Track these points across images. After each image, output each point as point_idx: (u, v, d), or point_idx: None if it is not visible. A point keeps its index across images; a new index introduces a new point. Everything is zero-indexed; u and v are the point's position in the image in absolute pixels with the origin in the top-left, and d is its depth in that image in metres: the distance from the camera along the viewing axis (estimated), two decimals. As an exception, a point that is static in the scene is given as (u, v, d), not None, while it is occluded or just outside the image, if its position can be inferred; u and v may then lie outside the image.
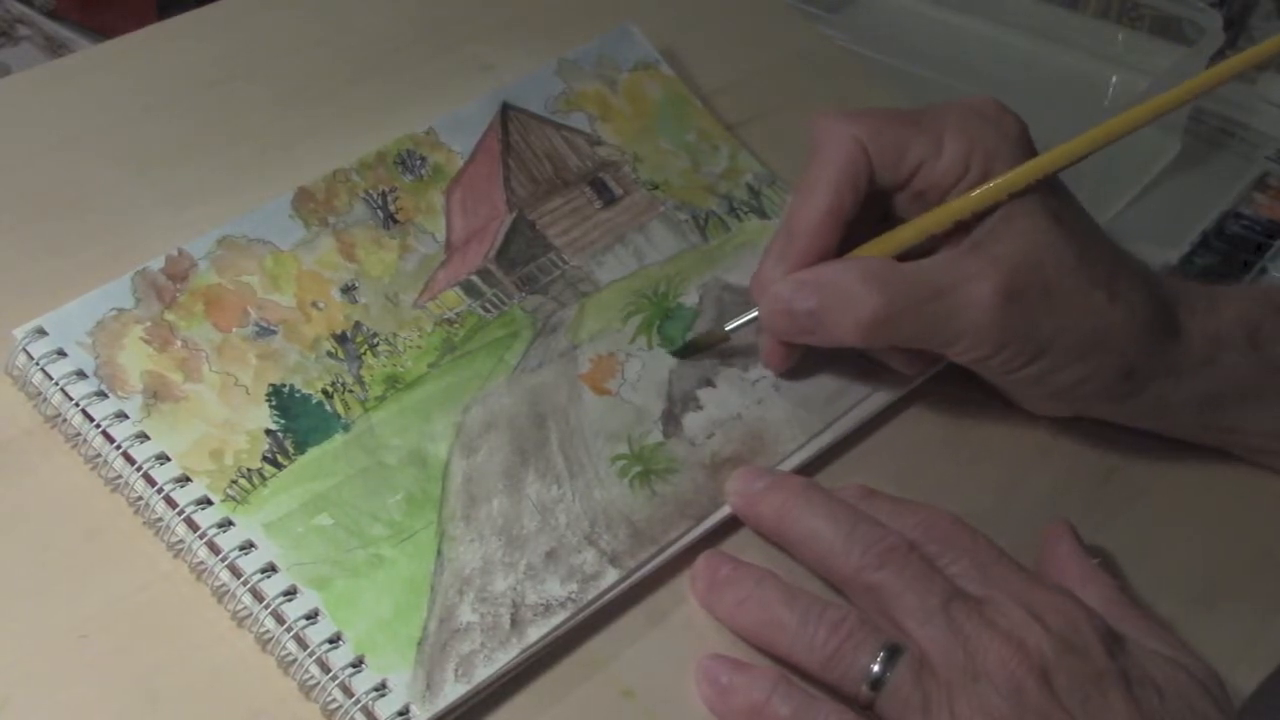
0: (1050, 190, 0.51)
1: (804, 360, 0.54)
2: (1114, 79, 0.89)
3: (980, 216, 0.50)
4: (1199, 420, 0.54)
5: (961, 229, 0.51)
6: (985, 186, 0.50)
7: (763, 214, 0.60)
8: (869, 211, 0.52)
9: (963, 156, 0.51)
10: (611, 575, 0.48)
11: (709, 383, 0.53)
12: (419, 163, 0.57)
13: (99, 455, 0.47)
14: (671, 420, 0.52)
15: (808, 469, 0.53)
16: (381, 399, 0.50)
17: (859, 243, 0.52)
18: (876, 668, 0.44)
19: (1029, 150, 0.52)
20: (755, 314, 0.53)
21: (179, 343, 0.50)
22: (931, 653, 0.44)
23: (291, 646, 0.44)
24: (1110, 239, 0.53)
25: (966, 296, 0.49)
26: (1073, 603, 0.45)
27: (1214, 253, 0.80)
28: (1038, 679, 0.43)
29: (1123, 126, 0.51)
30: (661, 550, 0.49)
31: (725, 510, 0.50)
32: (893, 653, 0.44)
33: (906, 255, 0.51)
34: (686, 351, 0.54)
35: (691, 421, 0.52)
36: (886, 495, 0.50)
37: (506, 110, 0.59)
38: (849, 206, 0.51)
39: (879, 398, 0.55)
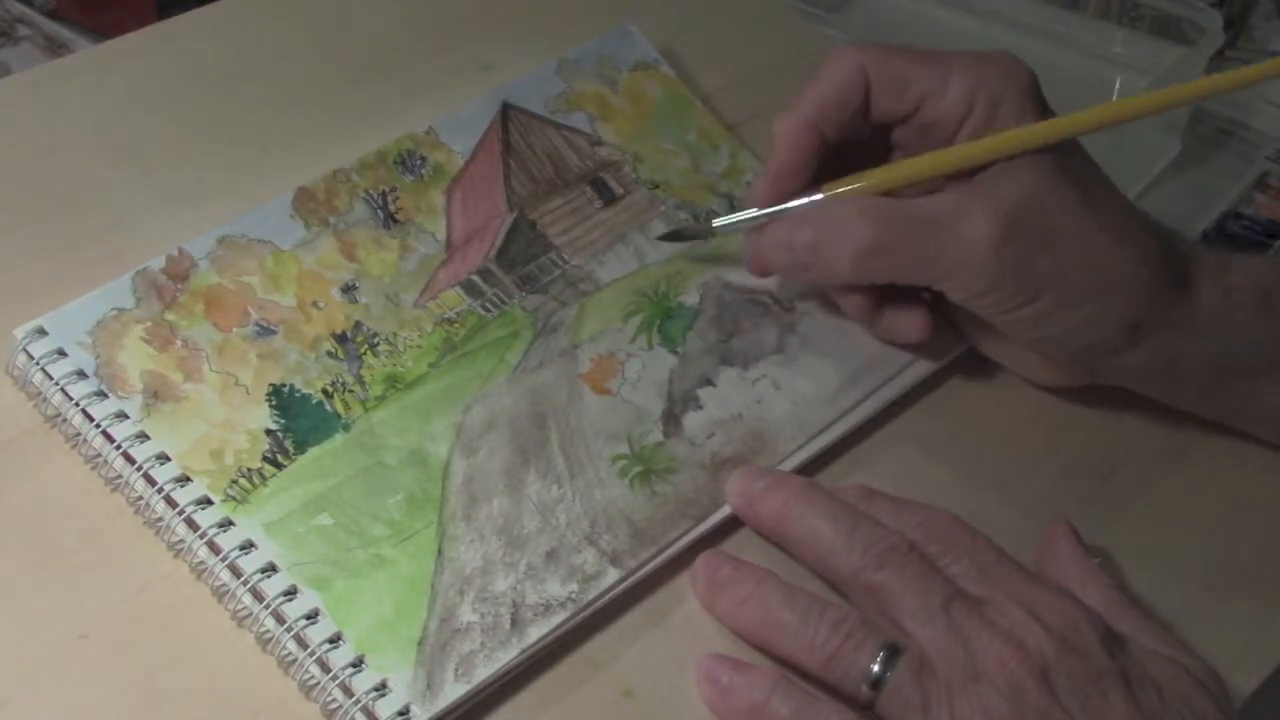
0: (1061, 146, 0.51)
1: (804, 359, 0.54)
2: (1114, 79, 0.89)
3: (984, 166, 0.50)
4: (1211, 387, 0.53)
5: (968, 170, 0.51)
6: (996, 136, 0.50)
7: (763, 213, 0.60)
8: (873, 148, 0.53)
9: (967, 95, 0.51)
10: (612, 575, 0.48)
11: (709, 382, 0.53)
12: (419, 163, 0.57)
13: (99, 455, 0.47)
14: (672, 420, 0.52)
15: (808, 468, 0.52)
16: (382, 399, 0.50)
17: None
18: (876, 668, 0.44)
19: (1039, 101, 0.52)
20: (745, 215, 0.53)
21: (179, 342, 0.50)
22: (932, 653, 0.44)
23: (292, 646, 0.44)
24: (1118, 190, 0.52)
25: (963, 231, 0.49)
26: (1073, 603, 0.45)
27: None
28: (1038, 679, 0.43)
29: (1144, 107, 0.51)
30: (662, 550, 0.49)
31: (726, 510, 0.50)
32: (893, 653, 0.44)
33: (908, 192, 0.52)
34: (669, 238, 0.56)
35: (692, 421, 0.52)
36: (887, 495, 0.50)
37: (507, 110, 0.59)
38: (832, 120, 0.51)
39: (881, 396, 0.55)
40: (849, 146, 0.53)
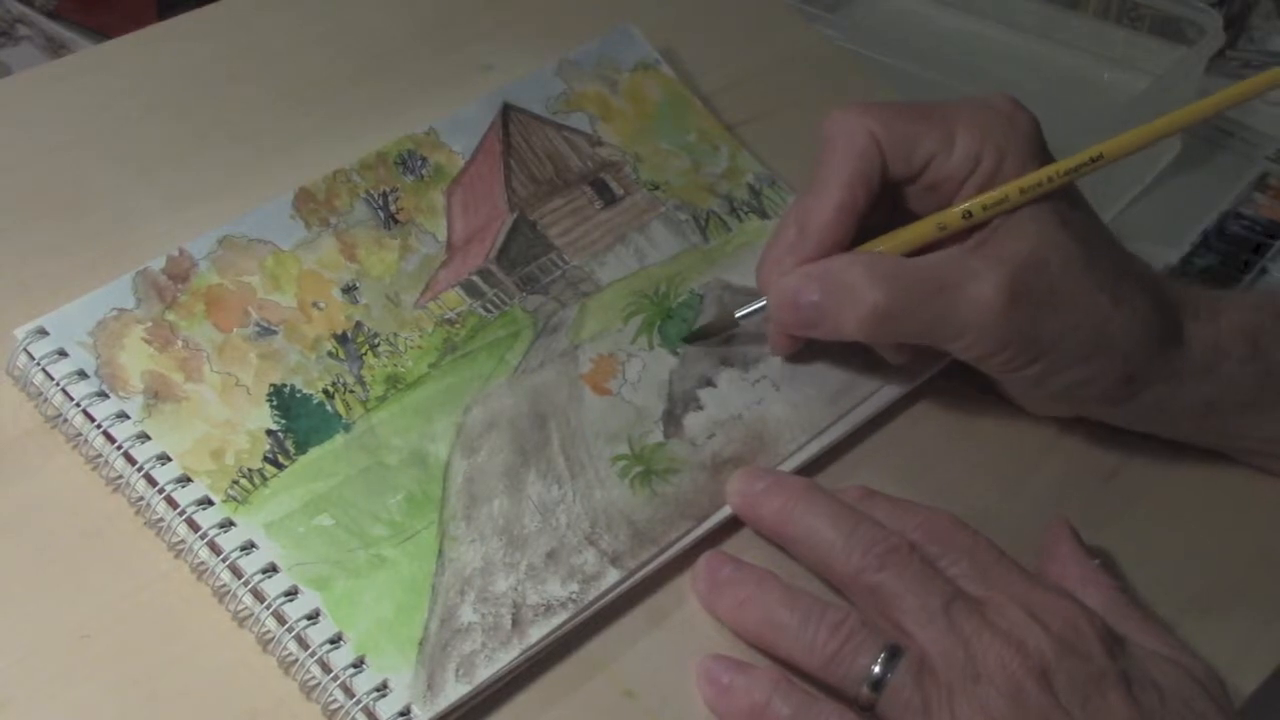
0: (1060, 192, 0.51)
1: (805, 359, 0.54)
2: (1114, 79, 0.89)
3: (990, 217, 0.50)
4: (1199, 425, 0.54)
5: (971, 228, 0.51)
6: (998, 189, 0.50)
7: (763, 214, 0.60)
8: (879, 202, 0.52)
9: (974, 151, 0.51)
10: (612, 576, 0.48)
11: (709, 383, 0.53)
12: (420, 163, 0.57)
13: (100, 455, 0.47)
14: (672, 420, 0.52)
15: (809, 469, 0.53)
16: (382, 399, 0.50)
17: (870, 234, 0.52)
18: (877, 669, 0.44)
19: (1041, 147, 0.52)
20: (764, 303, 0.53)
21: (180, 343, 0.50)
22: (932, 654, 0.44)
23: (292, 647, 0.44)
24: (1117, 242, 0.53)
25: (970, 294, 0.49)
26: (1073, 604, 0.45)
27: (1214, 253, 0.80)
28: (1038, 680, 0.43)
29: (1140, 139, 0.51)
30: (662, 551, 0.49)
31: (726, 511, 0.50)
32: (893, 654, 0.44)
33: (915, 251, 0.52)
34: (696, 337, 0.54)
35: (692, 422, 0.52)
36: (886, 496, 0.50)
37: (507, 111, 0.59)
38: (862, 202, 0.51)
39: (881, 397, 0.55)
40: None
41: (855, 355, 0.55)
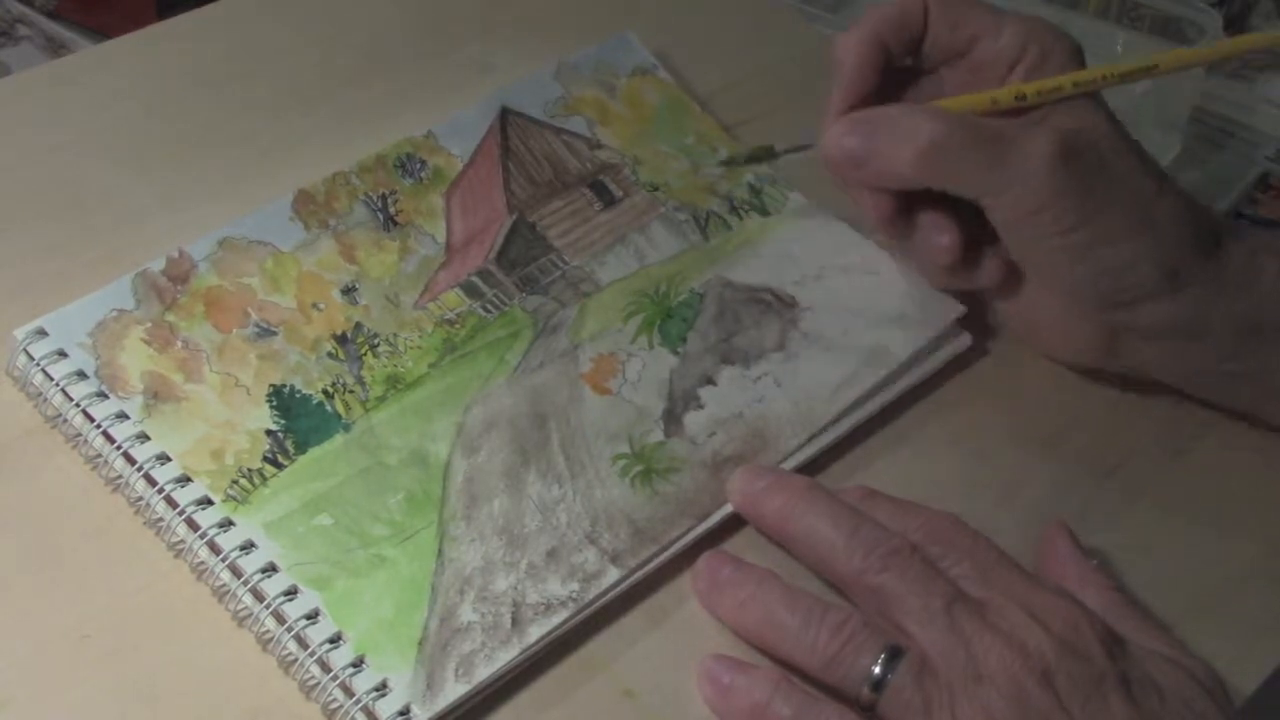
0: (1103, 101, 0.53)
1: (806, 355, 0.54)
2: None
3: (1042, 103, 0.52)
4: (1230, 355, 0.53)
5: (1021, 110, 0.52)
6: (1052, 78, 0.52)
7: (764, 212, 0.60)
8: (923, 92, 0.54)
9: (1020, 41, 0.53)
10: (613, 574, 0.48)
11: (710, 381, 0.53)
12: (419, 166, 0.57)
13: (99, 455, 0.47)
14: (673, 419, 0.52)
15: (810, 468, 0.52)
16: (382, 399, 0.50)
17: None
18: (877, 669, 0.44)
19: (1083, 62, 0.54)
20: (809, 145, 0.54)
21: (179, 343, 0.50)
22: (933, 655, 0.44)
23: (292, 646, 0.44)
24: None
25: (1025, 145, 0.50)
26: (1074, 605, 0.45)
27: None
28: (1039, 681, 0.43)
29: (1196, 57, 0.56)
30: (663, 549, 0.49)
31: (727, 509, 0.50)
32: (893, 654, 0.44)
33: None
34: (732, 163, 0.56)
35: (693, 420, 0.52)
36: (888, 496, 0.50)
37: (505, 114, 0.60)
38: (894, 37, 0.53)
39: (883, 396, 0.54)
40: (896, 89, 0.55)
41: (858, 349, 0.55)
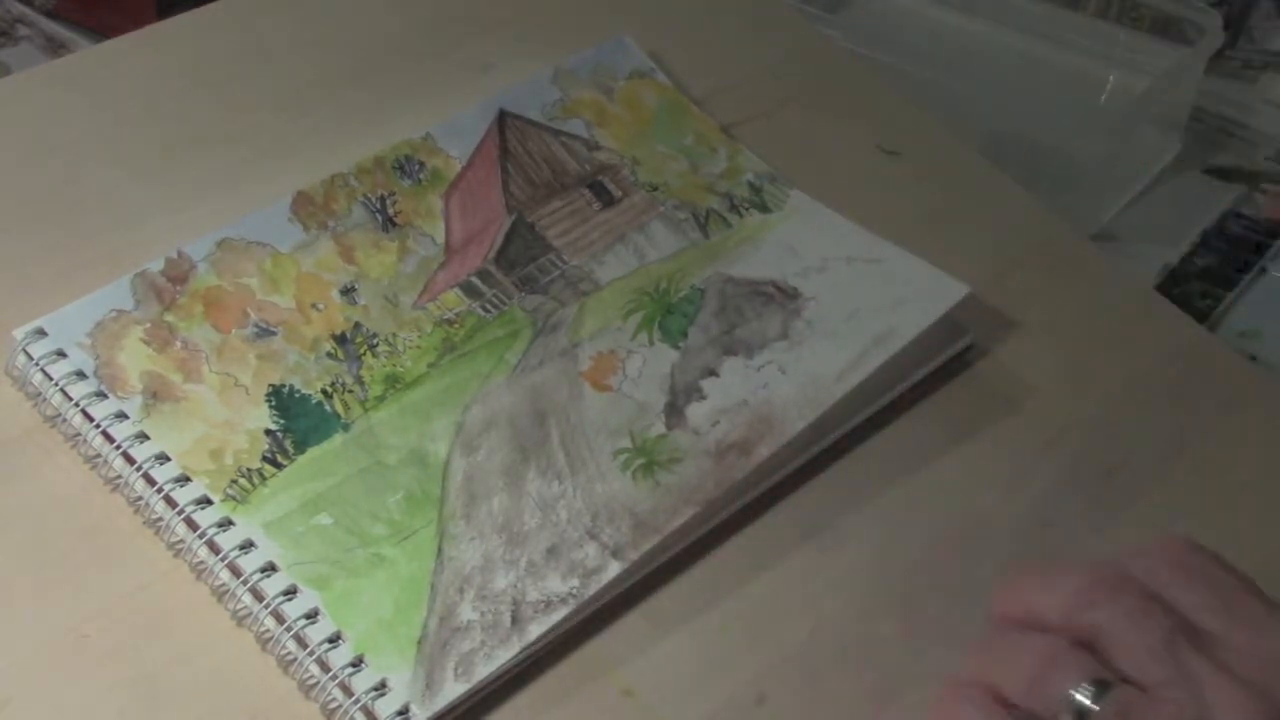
0: None
1: (810, 342, 0.54)
2: (1114, 79, 0.89)
3: None
4: None
5: None
6: None
7: (765, 208, 0.60)
8: None
9: None
10: (614, 569, 0.47)
11: (712, 373, 0.53)
12: (417, 168, 0.57)
13: (99, 455, 0.47)
14: (675, 412, 0.52)
15: (812, 467, 0.52)
16: (381, 399, 0.50)
17: None
18: (1084, 699, 0.39)
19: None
20: None
21: (178, 343, 0.50)
22: (1154, 694, 0.39)
23: (291, 646, 0.44)
24: None
25: None
26: None
27: (1214, 252, 0.80)
28: None
29: None
30: (664, 540, 0.48)
31: (729, 496, 0.50)
32: (1102, 686, 0.39)
33: None
34: None
35: (695, 411, 0.52)
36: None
37: (503, 116, 0.60)
38: None
39: (883, 399, 0.54)
40: None
41: (862, 333, 0.54)
